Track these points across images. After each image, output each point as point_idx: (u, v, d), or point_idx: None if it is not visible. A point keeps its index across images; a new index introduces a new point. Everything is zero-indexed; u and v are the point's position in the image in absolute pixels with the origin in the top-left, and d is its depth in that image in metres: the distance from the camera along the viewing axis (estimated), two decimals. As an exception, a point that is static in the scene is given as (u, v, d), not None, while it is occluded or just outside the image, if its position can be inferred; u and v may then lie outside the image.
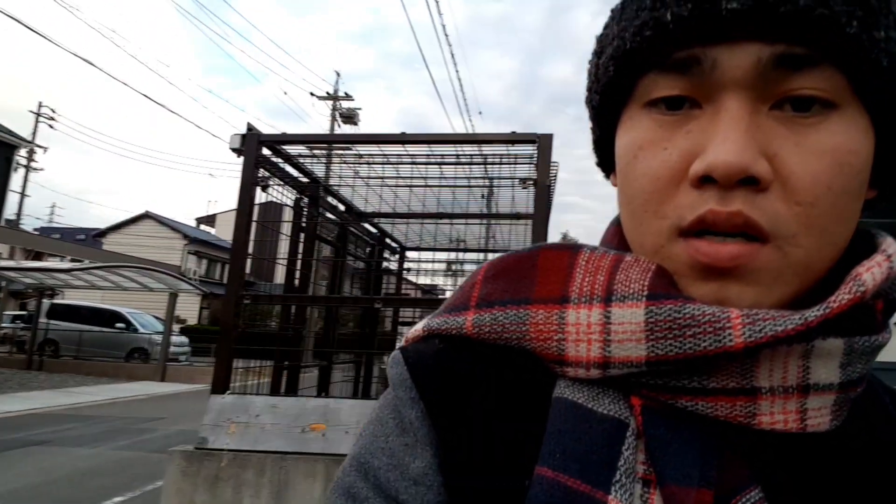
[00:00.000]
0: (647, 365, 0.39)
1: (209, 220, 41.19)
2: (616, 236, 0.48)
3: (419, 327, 0.49)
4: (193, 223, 38.80)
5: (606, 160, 0.50)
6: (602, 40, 0.46)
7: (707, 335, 0.37)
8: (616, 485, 0.37)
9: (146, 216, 31.96)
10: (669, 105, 0.41)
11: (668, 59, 0.40)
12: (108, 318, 17.99)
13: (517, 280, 0.45)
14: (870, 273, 0.38)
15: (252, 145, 3.49)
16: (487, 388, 0.44)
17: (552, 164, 3.39)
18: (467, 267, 6.97)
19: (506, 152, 3.84)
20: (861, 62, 0.38)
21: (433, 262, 6.92)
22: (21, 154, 24.00)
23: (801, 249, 0.38)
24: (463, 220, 5.55)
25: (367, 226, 5.66)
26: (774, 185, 0.38)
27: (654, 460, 0.38)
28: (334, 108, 23.26)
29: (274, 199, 3.96)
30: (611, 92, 0.45)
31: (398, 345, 0.50)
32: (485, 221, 5.95)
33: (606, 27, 0.46)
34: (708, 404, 0.38)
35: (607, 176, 0.52)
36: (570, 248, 0.46)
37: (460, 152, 3.88)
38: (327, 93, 23.37)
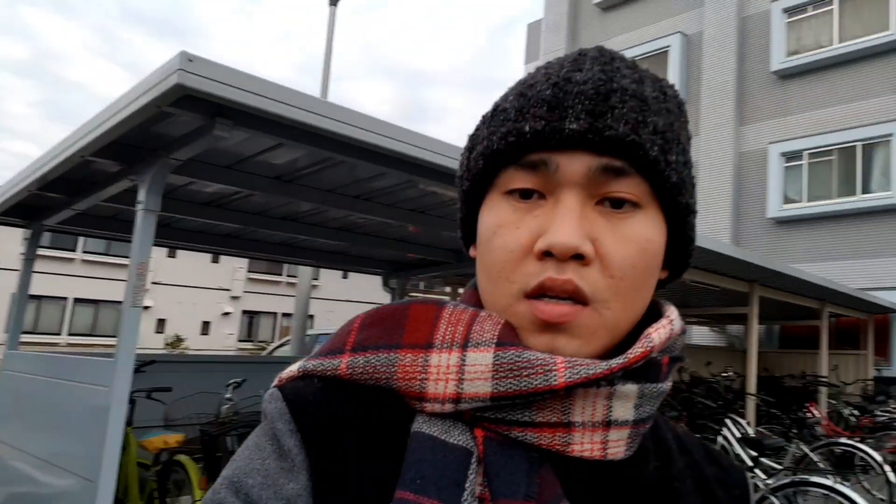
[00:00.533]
0: (491, 400, 0.48)
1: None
2: (473, 297, 0.57)
3: (294, 368, 0.55)
4: None
5: (468, 235, 0.61)
6: (473, 139, 0.58)
7: (538, 375, 0.47)
8: (464, 503, 0.45)
9: None
10: (522, 195, 0.52)
11: (524, 159, 0.52)
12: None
13: (390, 329, 0.53)
14: (657, 333, 0.51)
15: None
16: (358, 425, 0.50)
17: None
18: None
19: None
20: (659, 176, 0.52)
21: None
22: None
23: (611, 312, 0.50)
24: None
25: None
26: (595, 261, 0.50)
27: (490, 481, 0.47)
28: None
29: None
30: (479, 180, 0.56)
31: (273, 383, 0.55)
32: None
33: (478, 129, 0.57)
34: (535, 435, 0.49)
35: (467, 249, 0.62)
36: (436, 304, 0.54)
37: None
38: None
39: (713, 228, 14.29)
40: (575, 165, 0.50)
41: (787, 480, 4.40)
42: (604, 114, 0.50)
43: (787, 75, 14.22)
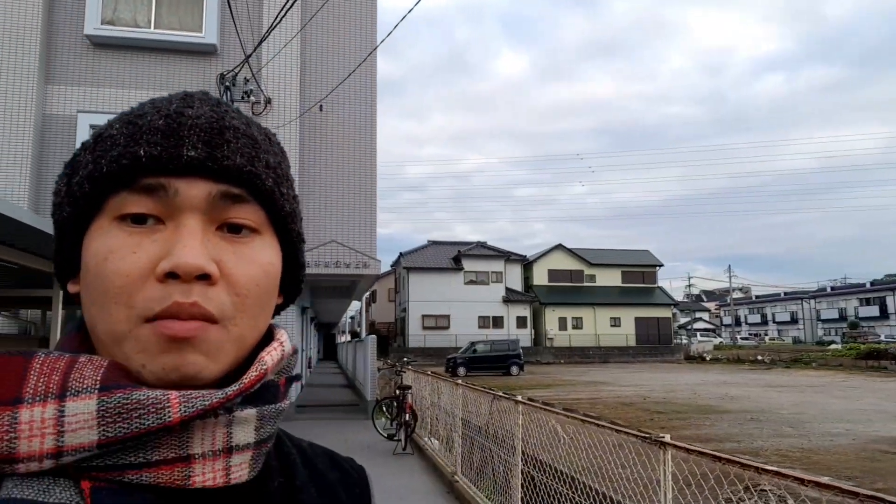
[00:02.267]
0: (98, 447, 0.44)
1: None
2: (74, 342, 0.53)
3: None
4: None
5: (66, 269, 0.56)
6: (74, 165, 0.54)
7: (150, 414, 0.45)
8: None
9: None
10: (135, 220, 0.50)
11: (138, 183, 0.50)
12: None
13: None
14: (269, 356, 0.53)
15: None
16: None
17: None
18: None
19: None
20: (274, 205, 0.55)
21: None
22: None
23: (238, 328, 0.51)
24: None
25: None
26: (221, 281, 0.50)
27: None
28: None
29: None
30: (83, 205, 0.52)
31: None
32: None
33: (77, 155, 0.55)
34: (151, 474, 0.46)
35: (64, 285, 0.57)
36: (23, 355, 0.48)
37: None
38: None
39: (7, 193, 11.95)
40: (195, 190, 0.51)
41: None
42: (220, 145, 0.51)
43: (100, 44, 13.15)
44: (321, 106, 13.89)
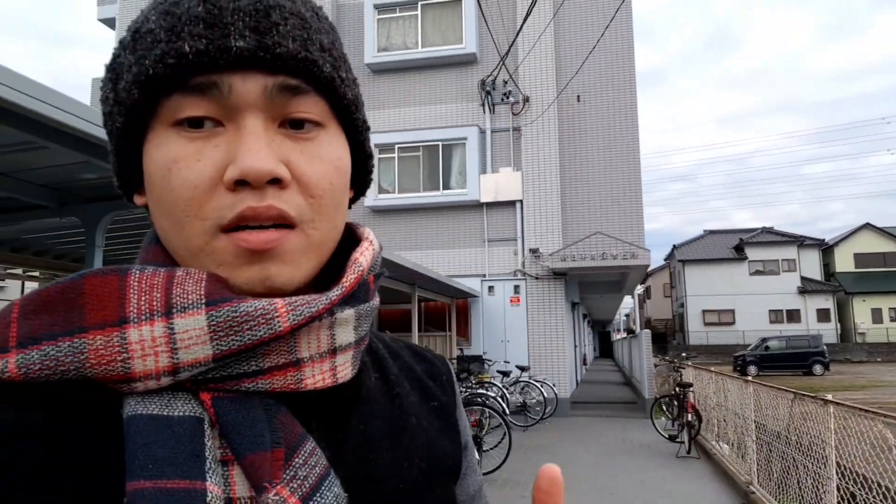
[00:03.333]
0: (214, 361, 0.44)
1: None
2: (158, 254, 0.51)
3: None
4: None
5: (128, 182, 0.54)
6: (116, 69, 0.50)
7: (261, 325, 0.44)
8: (209, 472, 0.42)
9: None
10: (193, 124, 0.47)
11: (190, 83, 0.46)
12: None
13: (65, 312, 0.44)
14: (363, 256, 0.53)
15: None
16: (49, 432, 0.43)
17: None
18: None
19: None
20: (335, 94, 0.52)
21: None
22: None
23: (317, 231, 0.50)
24: None
25: None
26: (293, 183, 0.48)
27: (230, 441, 0.44)
28: None
29: None
30: (135, 114, 0.48)
31: None
32: None
33: (117, 58, 0.51)
34: (266, 381, 0.46)
35: (130, 198, 0.55)
36: (116, 272, 0.46)
37: None
38: None
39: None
40: (249, 86, 0.47)
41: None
42: (269, 30, 0.48)
43: (378, 70, 14.62)
44: (578, 97, 13.65)
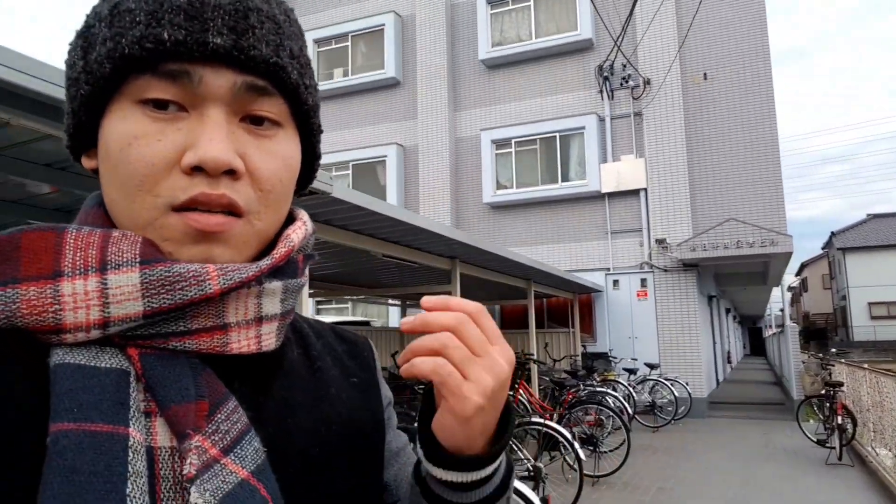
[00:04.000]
0: (143, 318, 0.46)
1: None
2: (98, 217, 0.53)
3: None
4: None
5: (79, 143, 0.55)
6: (88, 38, 0.52)
7: (192, 286, 0.47)
8: (132, 420, 0.44)
9: None
10: (157, 105, 0.49)
11: (162, 68, 0.49)
12: None
13: None
14: (295, 234, 0.56)
15: None
16: None
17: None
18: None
19: None
20: (298, 98, 0.55)
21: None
22: None
23: (262, 222, 0.53)
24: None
25: None
26: (245, 176, 0.51)
27: (155, 394, 0.46)
28: None
29: None
30: (102, 85, 0.50)
31: None
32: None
33: (91, 27, 0.52)
34: (193, 342, 0.48)
35: (77, 158, 0.56)
36: (54, 229, 0.48)
37: None
38: None
39: (436, 212, 14.18)
40: (220, 80, 0.50)
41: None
42: (245, 32, 0.50)
43: (493, 65, 14.54)
44: (705, 74, 12.72)
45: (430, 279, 8.48)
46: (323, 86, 15.51)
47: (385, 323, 15.07)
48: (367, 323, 13.39)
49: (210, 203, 0.49)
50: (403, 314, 12.18)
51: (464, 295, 7.79)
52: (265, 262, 0.51)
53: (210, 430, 0.46)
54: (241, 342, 0.51)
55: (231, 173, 0.50)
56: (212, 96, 0.50)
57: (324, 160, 14.11)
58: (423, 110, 14.82)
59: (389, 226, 5.04)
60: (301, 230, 0.57)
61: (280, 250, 0.53)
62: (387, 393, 0.70)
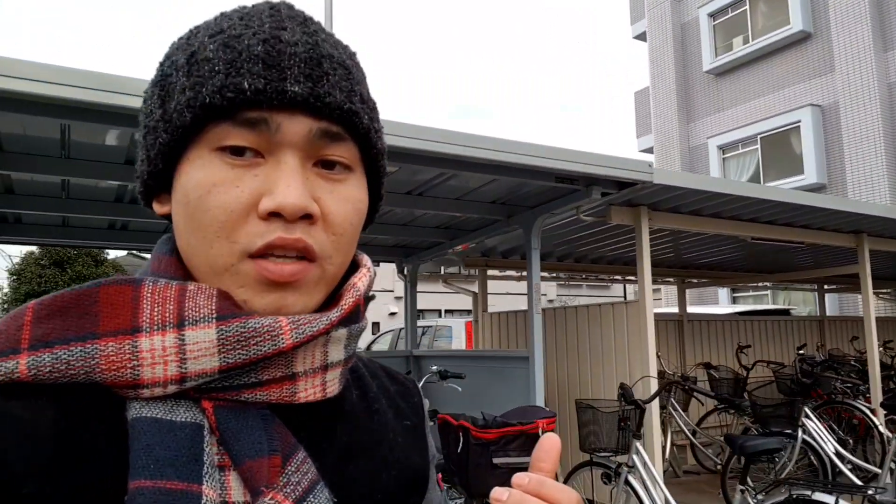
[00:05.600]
0: (219, 373, 0.48)
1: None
2: (172, 266, 0.54)
3: None
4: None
5: (152, 189, 0.57)
6: (165, 87, 0.53)
7: (266, 341, 0.48)
8: (206, 476, 0.45)
9: None
10: (234, 152, 0.50)
11: (241, 116, 0.50)
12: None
13: (78, 317, 0.47)
14: (361, 282, 0.56)
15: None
16: (54, 432, 0.45)
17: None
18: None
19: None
20: (369, 143, 0.56)
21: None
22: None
23: (333, 266, 0.54)
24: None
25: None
26: (320, 220, 0.52)
27: (228, 448, 0.48)
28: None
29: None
30: (182, 134, 0.51)
31: None
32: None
33: (168, 77, 0.53)
34: (264, 393, 0.50)
35: (148, 203, 0.58)
36: (131, 282, 0.49)
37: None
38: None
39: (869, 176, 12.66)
40: (296, 127, 0.51)
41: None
42: (320, 79, 0.52)
43: (718, 73, 14.80)
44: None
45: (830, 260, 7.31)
46: (722, 59, 14.97)
47: (812, 311, 13.40)
48: (786, 311, 11.44)
49: (286, 247, 0.50)
50: (821, 301, 10.12)
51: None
52: (335, 315, 0.52)
53: (282, 483, 0.48)
54: (308, 390, 0.52)
55: (307, 218, 0.50)
56: (288, 142, 0.51)
57: (722, 139, 14.73)
58: (843, 60, 13.17)
59: (774, 207, 4.64)
60: (366, 277, 0.57)
61: (348, 301, 0.54)
62: (433, 447, 0.70)
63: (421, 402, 0.72)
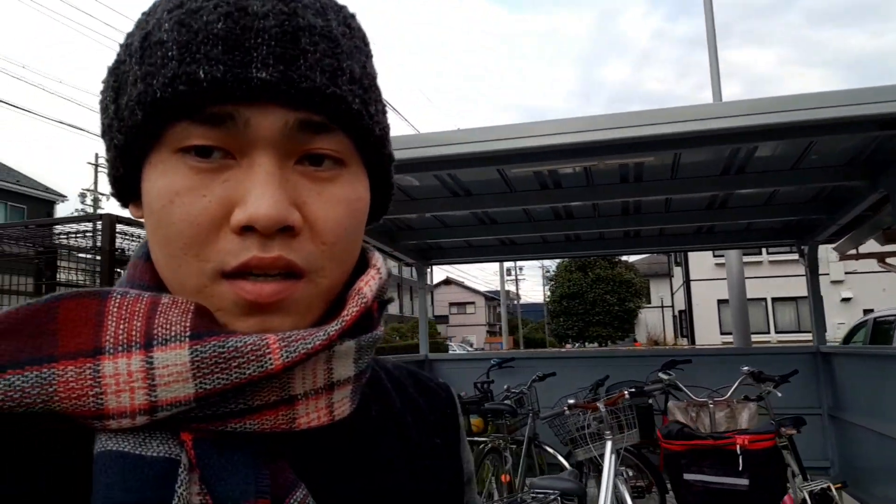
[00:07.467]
0: (196, 401, 0.40)
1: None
2: (147, 273, 0.47)
3: None
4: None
5: (124, 193, 0.50)
6: (118, 76, 0.46)
7: (250, 363, 0.40)
8: None
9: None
10: (200, 152, 0.43)
11: (201, 112, 0.42)
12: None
13: (34, 337, 0.40)
14: (368, 286, 0.48)
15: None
16: (9, 469, 0.39)
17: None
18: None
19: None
20: (362, 131, 0.47)
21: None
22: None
23: (327, 279, 0.46)
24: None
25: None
26: (304, 229, 0.44)
27: (210, 487, 0.40)
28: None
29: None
30: (137, 134, 0.44)
31: None
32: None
33: (121, 63, 0.46)
34: (255, 421, 0.42)
35: (126, 205, 0.51)
36: (96, 295, 0.43)
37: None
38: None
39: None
40: (268, 121, 0.43)
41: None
42: (296, 59, 0.43)
43: None
44: None
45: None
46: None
47: None
48: None
49: (264, 268, 0.42)
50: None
51: None
52: (333, 328, 0.44)
53: None
54: (311, 415, 0.44)
55: (288, 230, 0.43)
56: (261, 140, 0.43)
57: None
58: None
59: None
60: (375, 281, 0.50)
61: (351, 310, 0.46)
62: (469, 466, 0.63)
63: (455, 413, 0.64)
